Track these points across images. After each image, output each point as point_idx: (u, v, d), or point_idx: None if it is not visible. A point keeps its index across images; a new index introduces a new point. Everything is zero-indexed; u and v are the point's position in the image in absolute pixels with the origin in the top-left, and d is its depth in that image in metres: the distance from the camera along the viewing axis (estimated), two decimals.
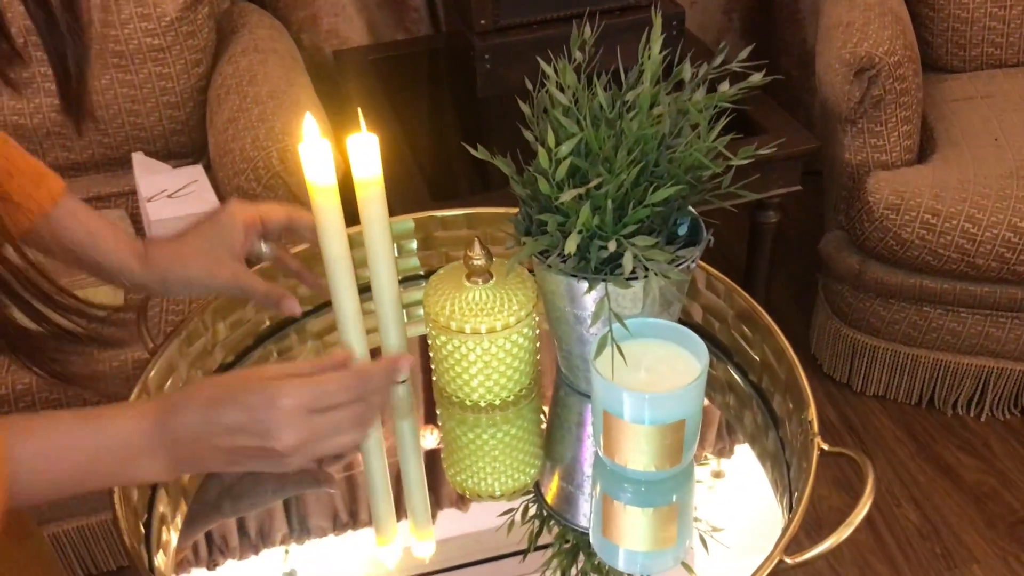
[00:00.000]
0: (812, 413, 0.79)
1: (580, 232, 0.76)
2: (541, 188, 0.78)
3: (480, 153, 0.81)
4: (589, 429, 0.93)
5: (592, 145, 0.79)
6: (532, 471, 0.92)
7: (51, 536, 1.57)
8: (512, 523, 0.86)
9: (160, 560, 0.80)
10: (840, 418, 1.91)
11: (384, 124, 1.85)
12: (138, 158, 1.76)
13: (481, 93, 1.92)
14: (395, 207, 0.87)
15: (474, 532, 0.88)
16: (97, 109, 1.77)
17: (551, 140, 0.78)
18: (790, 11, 2.34)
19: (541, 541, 0.84)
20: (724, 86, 0.84)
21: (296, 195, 1.55)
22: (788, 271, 2.26)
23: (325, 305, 1.05)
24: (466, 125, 1.99)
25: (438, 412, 0.95)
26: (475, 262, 0.85)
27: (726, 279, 0.95)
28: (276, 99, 1.67)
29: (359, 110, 0.83)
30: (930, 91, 1.96)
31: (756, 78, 0.84)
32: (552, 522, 0.86)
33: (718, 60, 0.85)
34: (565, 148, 0.76)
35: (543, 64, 0.83)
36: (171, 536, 0.83)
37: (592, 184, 0.75)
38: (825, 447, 0.77)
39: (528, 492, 0.89)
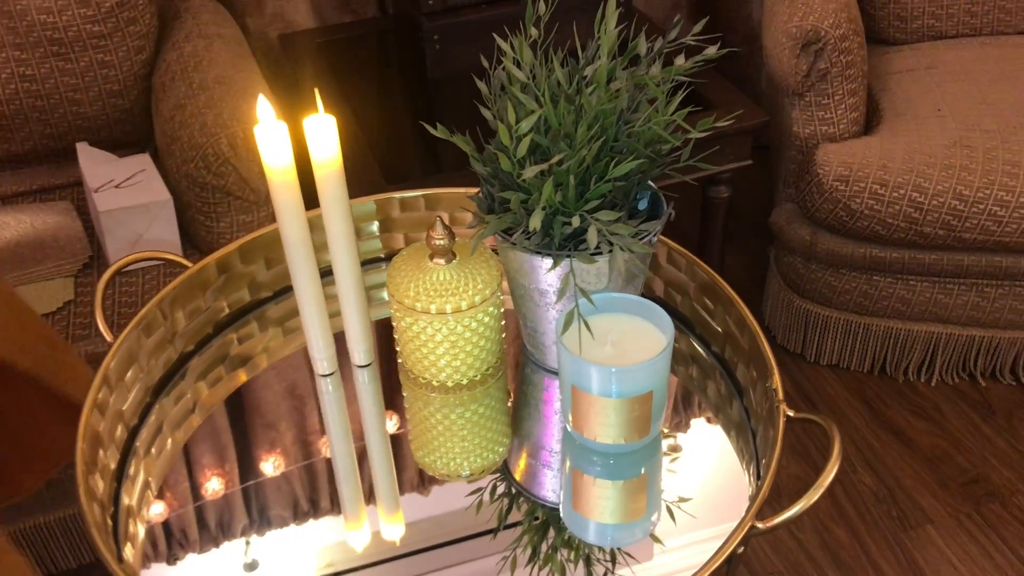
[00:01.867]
0: (776, 381, 0.80)
1: (544, 208, 0.76)
2: (503, 166, 0.78)
3: (440, 132, 0.81)
4: (556, 405, 0.94)
5: (552, 121, 0.79)
6: (501, 449, 0.92)
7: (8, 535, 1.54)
8: (481, 502, 0.86)
9: (128, 553, 0.79)
10: (795, 387, 1.95)
11: (334, 108, 1.82)
12: (83, 148, 1.72)
13: (431, 75, 1.90)
14: (350, 190, 0.86)
15: (443, 514, 0.88)
16: (38, 99, 1.72)
17: (511, 117, 0.78)
18: None
19: (511, 519, 0.84)
20: (680, 60, 0.84)
21: (246, 179, 1.53)
22: (741, 245, 2.29)
23: (285, 291, 1.04)
24: (417, 107, 1.97)
25: (404, 394, 0.95)
26: (438, 242, 0.85)
27: (687, 252, 0.96)
28: (223, 85, 1.64)
29: (316, 91, 0.82)
30: (874, 63, 1.98)
31: (711, 51, 0.84)
32: (521, 499, 0.87)
33: (672, 34, 0.86)
34: (525, 125, 0.76)
35: (499, 40, 0.82)
36: (138, 528, 0.82)
37: (554, 160, 0.74)
38: (791, 413, 0.78)
39: (497, 471, 0.89)
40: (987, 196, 1.65)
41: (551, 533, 0.84)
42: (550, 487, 0.89)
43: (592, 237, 0.74)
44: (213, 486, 0.89)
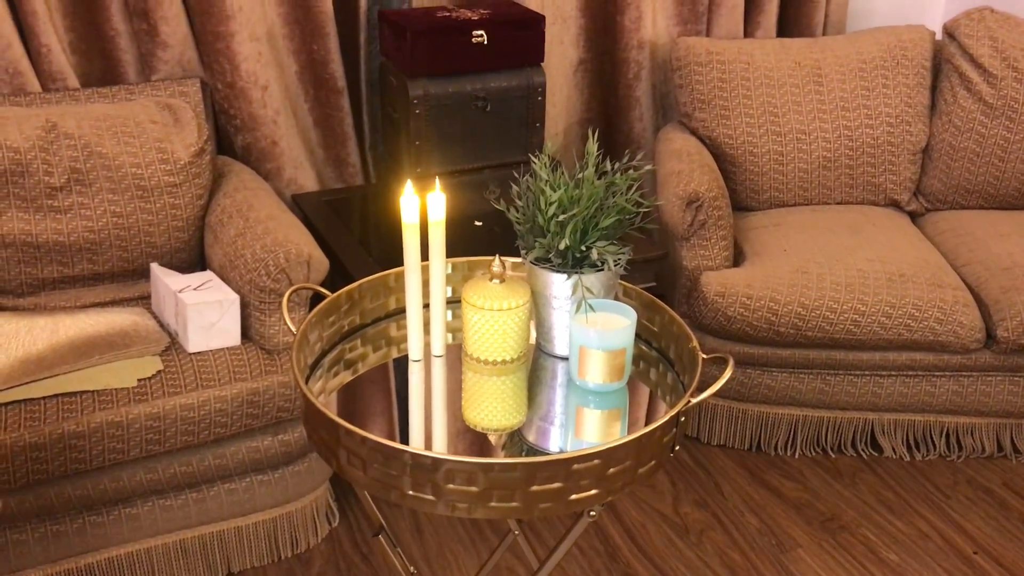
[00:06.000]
0: (694, 342, 1.40)
1: (567, 240, 1.37)
2: (539, 222, 1.39)
3: (500, 206, 1.42)
4: (559, 379, 1.50)
5: (563, 200, 1.41)
6: (524, 408, 1.47)
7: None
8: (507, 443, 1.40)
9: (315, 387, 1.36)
10: (695, 462, 2.53)
11: (343, 235, 2.42)
12: (155, 267, 2.25)
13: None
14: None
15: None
16: (122, 231, 2.26)
17: (544, 197, 1.40)
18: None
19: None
20: (630, 171, 1.49)
21: (293, 283, 2.09)
22: None
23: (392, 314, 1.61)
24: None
25: (463, 370, 1.50)
26: (495, 269, 1.44)
27: (634, 287, 1.57)
28: (274, 220, 2.22)
29: (437, 180, 1.42)
30: (737, 223, 2.72)
31: (646, 168, 1.49)
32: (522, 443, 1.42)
33: (626, 159, 1.50)
34: (554, 196, 1.38)
35: (535, 164, 1.45)
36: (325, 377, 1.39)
37: (576, 211, 1.36)
38: (705, 356, 1.37)
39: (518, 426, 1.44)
40: (821, 305, 2.34)
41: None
42: (553, 438, 1.43)
43: (594, 254, 1.35)
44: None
